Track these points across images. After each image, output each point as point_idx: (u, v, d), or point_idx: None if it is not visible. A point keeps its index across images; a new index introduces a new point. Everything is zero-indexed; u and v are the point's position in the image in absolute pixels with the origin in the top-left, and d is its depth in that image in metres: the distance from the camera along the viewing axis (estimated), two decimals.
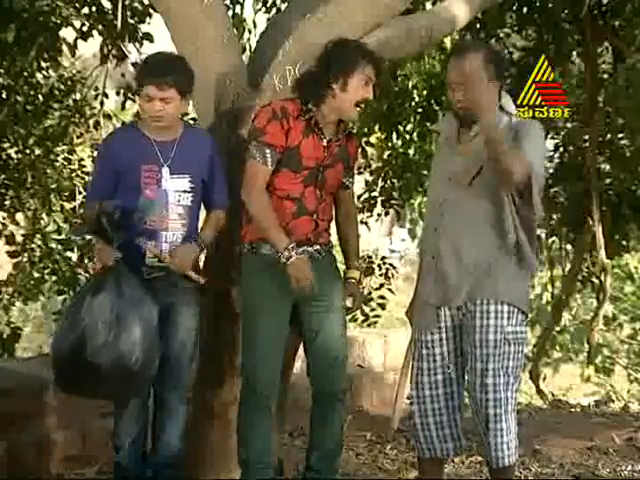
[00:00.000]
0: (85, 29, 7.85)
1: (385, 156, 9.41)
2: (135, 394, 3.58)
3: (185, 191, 3.62)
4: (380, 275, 9.59)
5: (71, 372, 3.41)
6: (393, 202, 9.40)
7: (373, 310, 9.28)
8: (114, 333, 3.35)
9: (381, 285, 9.54)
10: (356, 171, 3.95)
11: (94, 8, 7.82)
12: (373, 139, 9.34)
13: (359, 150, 3.88)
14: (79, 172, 9.11)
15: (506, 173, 3.33)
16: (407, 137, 8.95)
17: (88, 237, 8.93)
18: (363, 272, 3.94)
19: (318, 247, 3.69)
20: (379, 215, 9.54)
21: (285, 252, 3.50)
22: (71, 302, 3.59)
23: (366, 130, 8.77)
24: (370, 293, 9.50)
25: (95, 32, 7.87)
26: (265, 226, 3.56)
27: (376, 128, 8.74)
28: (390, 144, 9.12)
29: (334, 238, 3.84)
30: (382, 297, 9.41)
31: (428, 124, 8.49)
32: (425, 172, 8.49)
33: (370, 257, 9.69)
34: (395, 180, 9.19)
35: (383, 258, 9.87)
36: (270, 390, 3.64)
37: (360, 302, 3.95)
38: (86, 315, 3.36)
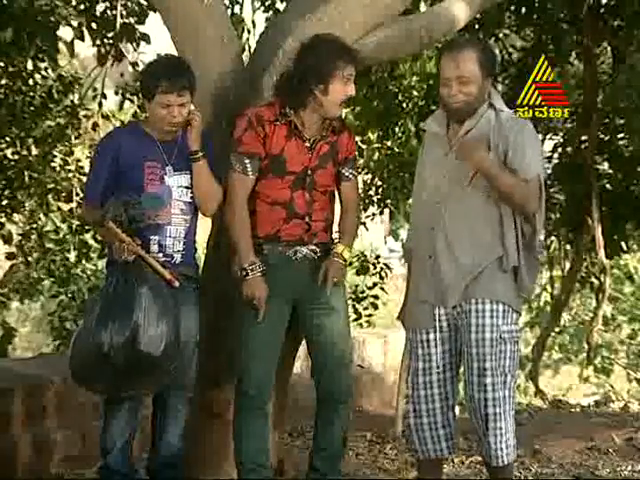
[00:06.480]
0: (83, 29, 7.84)
1: (379, 156, 9.39)
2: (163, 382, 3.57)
3: (186, 187, 3.63)
4: (374, 274, 9.58)
5: (112, 366, 3.34)
6: (387, 202, 9.38)
7: (366, 309, 9.26)
8: (163, 322, 3.39)
9: (374, 284, 9.52)
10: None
11: (92, 8, 7.81)
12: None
13: (353, 139, 3.82)
14: (77, 173, 9.11)
15: (519, 205, 3.45)
16: (403, 137, 8.93)
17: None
18: (349, 247, 3.79)
19: (313, 247, 3.66)
20: (374, 215, 9.53)
21: (243, 272, 3.53)
22: (101, 297, 3.48)
23: (361, 129, 8.75)
24: (363, 292, 9.47)
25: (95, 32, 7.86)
26: (236, 238, 3.58)
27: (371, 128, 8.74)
28: (386, 144, 9.11)
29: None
30: (375, 297, 9.38)
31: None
32: None
33: (365, 255, 9.66)
34: (391, 180, 9.17)
35: (377, 257, 9.85)
36: (261, 390, 3.62)
37: (334, 276, 3.63)
38: (137, 307, 3.35)
